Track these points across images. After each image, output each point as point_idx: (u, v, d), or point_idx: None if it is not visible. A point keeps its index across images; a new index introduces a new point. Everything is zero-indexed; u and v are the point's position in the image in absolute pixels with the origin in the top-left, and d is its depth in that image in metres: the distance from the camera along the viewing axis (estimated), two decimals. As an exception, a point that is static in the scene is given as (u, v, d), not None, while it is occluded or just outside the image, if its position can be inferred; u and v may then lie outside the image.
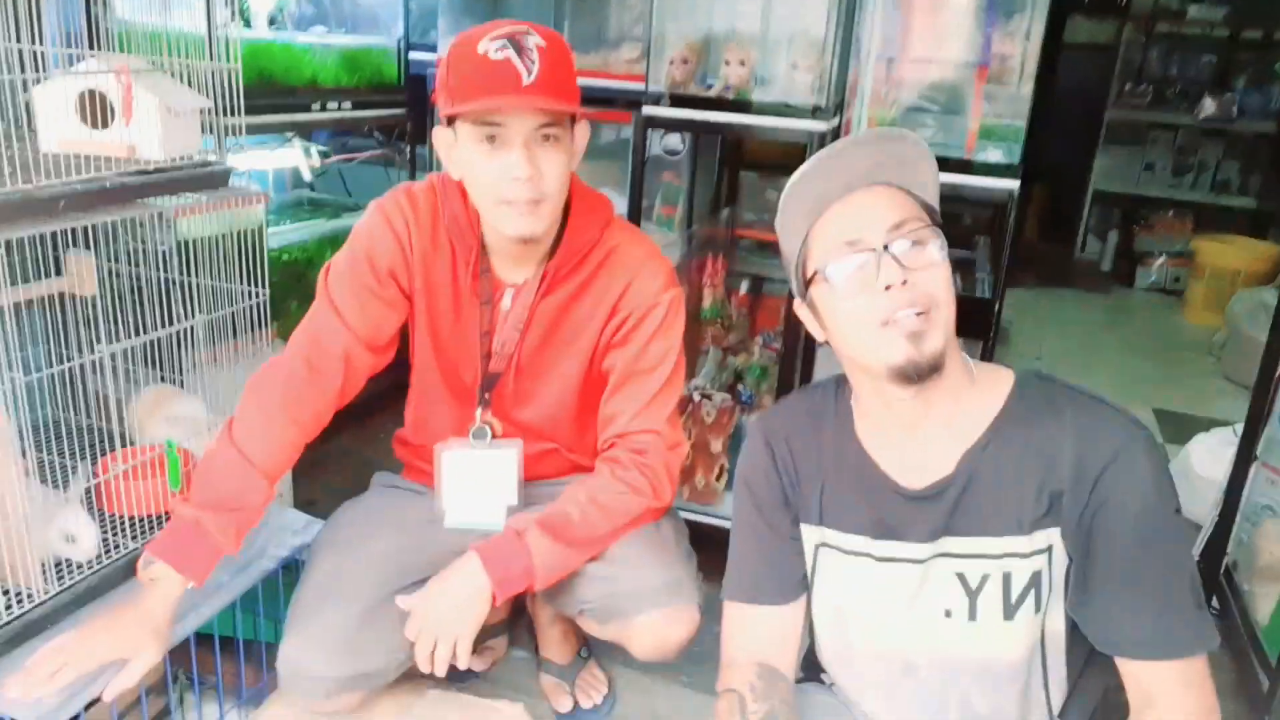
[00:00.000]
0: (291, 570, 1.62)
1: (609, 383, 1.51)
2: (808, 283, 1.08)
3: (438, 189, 1.48)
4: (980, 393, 1.09)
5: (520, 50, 1.27)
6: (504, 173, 1.30)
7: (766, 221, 3.07)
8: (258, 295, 1.66)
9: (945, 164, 2.06)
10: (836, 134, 2.07)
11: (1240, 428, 2.56)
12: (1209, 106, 5.26)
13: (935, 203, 1.08)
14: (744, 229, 2.99)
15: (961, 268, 2.64)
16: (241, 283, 1.68)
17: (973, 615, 1.09)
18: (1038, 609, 1.07)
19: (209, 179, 1.53)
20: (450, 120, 1.34)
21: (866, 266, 1.01)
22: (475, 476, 1.56)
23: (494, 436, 1.56)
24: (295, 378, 1.42)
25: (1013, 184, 2.07)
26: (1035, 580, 1.06)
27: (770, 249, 3.08)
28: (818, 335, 1.11)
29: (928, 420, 1.08)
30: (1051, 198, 5.90)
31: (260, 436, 1.40)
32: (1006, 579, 1.07)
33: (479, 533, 1.50)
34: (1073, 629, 1.08)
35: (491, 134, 1.29)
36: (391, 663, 1.45)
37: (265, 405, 1.41)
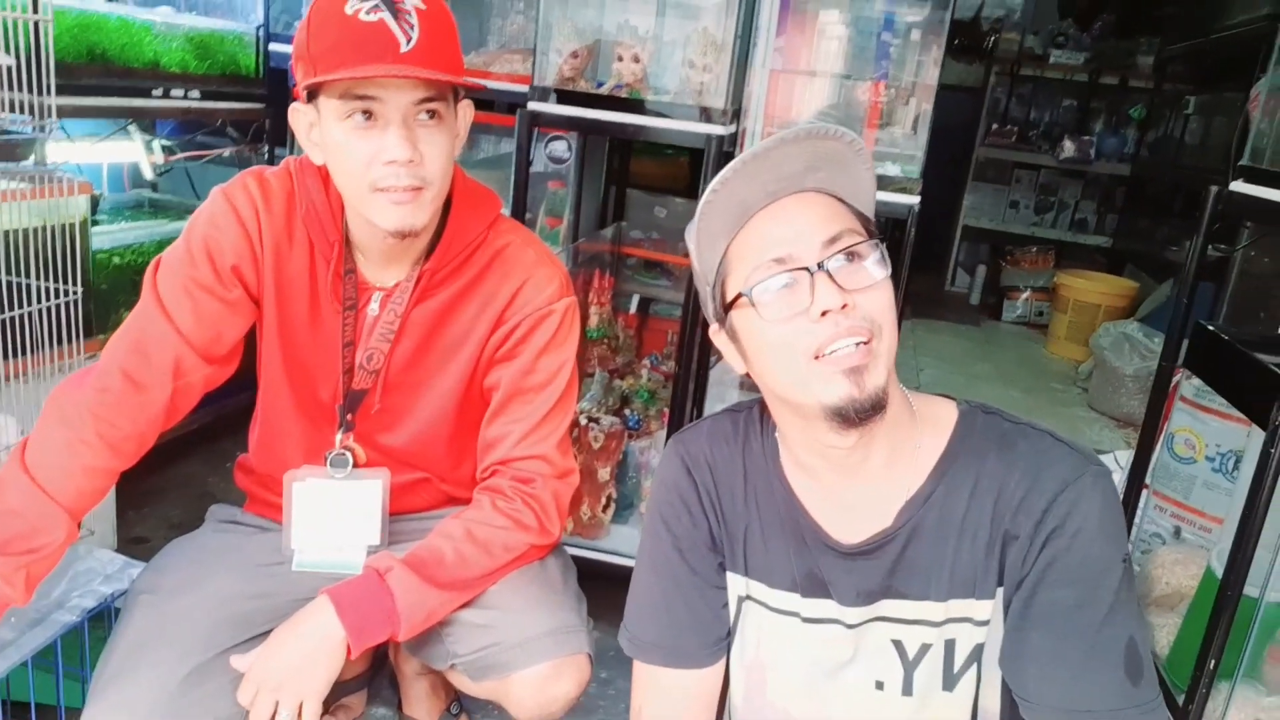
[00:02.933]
0: (102, 622, 1.36)
1: (492, 402, 1.32)
2: (727, 306, 0.93)
3: (294, 174, 1.28)
4: (921, 429, 0.96)
5: (396, 11, 1.09)
6: (378, 155, 1.11)
7: (655, 240, 2.95)
8: (69, 294, 1.41)
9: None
10: (735, 140, 1.96)
11: (1120, 456, 2.58)
12: (1069, 148, 5.49)
13: (871, 211, 0.95)
14: (631, 247, 2.86)
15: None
16: (51, 280, 1.42)
17: (908, 689, 0.96)
18: (979, 681, 0.95)
19: (6, 151, 1.27)
20: (311, 94, 1.15)
21: (798, 288, 0.87)
22: (332, 511, 1.35)
23: (355, 464, 1.35)
24: (110, 392, 1.18)
25: (913, 200, 2.01)
26: (979, 652, 0.95)
27: (658, 269, 2.96)
28: (737, 367, 0.96)
29: (865, 465, 0.93)
30: (922, 232, 6.04)
31: (62, 463, 1.16)
32: (949, 646, 0.95)
33: (334, 576, 1.29)
34: (1009, 706, 0.95)
35: (363, 109, 1.10)
36: None
37: (70, 424, 1.17)
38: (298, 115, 1.18)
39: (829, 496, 0.97)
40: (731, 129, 1.91)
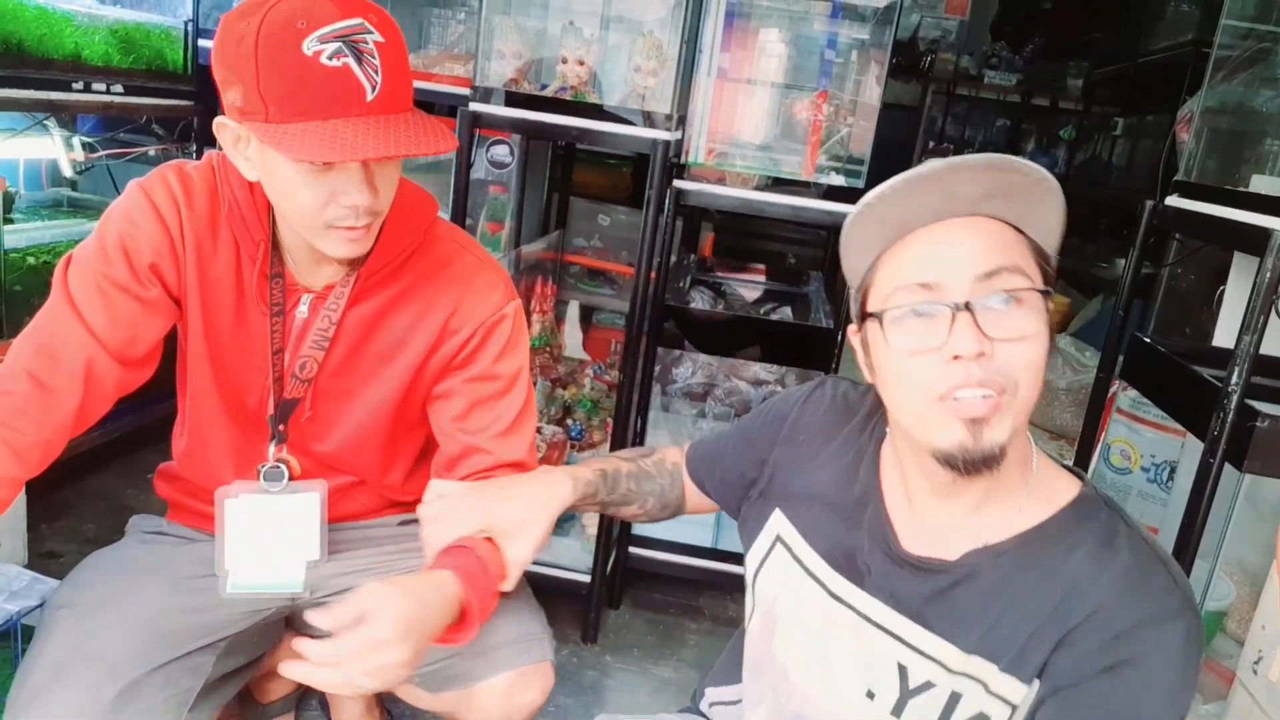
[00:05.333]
0: (7, 641, 1.28)
1: (445, 412, 1.27)
2: (863, 316, 0.89)
3: (217, 170, 1.21)
4: (1031, 494, 0.90)
5: (359, 55, 1.01)
6: (335, 198, 1.05)
7: (598, 248, 2.93)
8: (-27, 292, 1.32)
9: (786, 185, 2.01)
10: (680, 147, 1.94)
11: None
12: (1002, 167, 5.61)
13: (1054, 252, 0.86)
14: (574, 254, 2.83)
15: (795, 302, 2.58)
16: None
17: (898, 712, 0.91)
18: None
19: (-95, 137, 1.19)
20: None
21: (937, 321, 0.81)
22: (268, 527, 1.27)
23: (291, 476, 1.29)
24: (14, 396, 1.10)
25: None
26: None
27: (601, 277, 2.94)
28: (865, 375, 0.93)
29: (959, 498, 0.89)
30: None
31: None
32: (954, 698, 0.89)
33: (269, 597, 1.23)
34: None
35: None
36: None
37: None
38: (224, 130, 1.10)
39: (911, 502, 0.94)
40: (677, 135, 1.89)
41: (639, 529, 2.20)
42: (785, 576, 1.01)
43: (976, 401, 0.79)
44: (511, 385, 1.26)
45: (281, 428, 1.26)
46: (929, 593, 0.89)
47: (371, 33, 1.02)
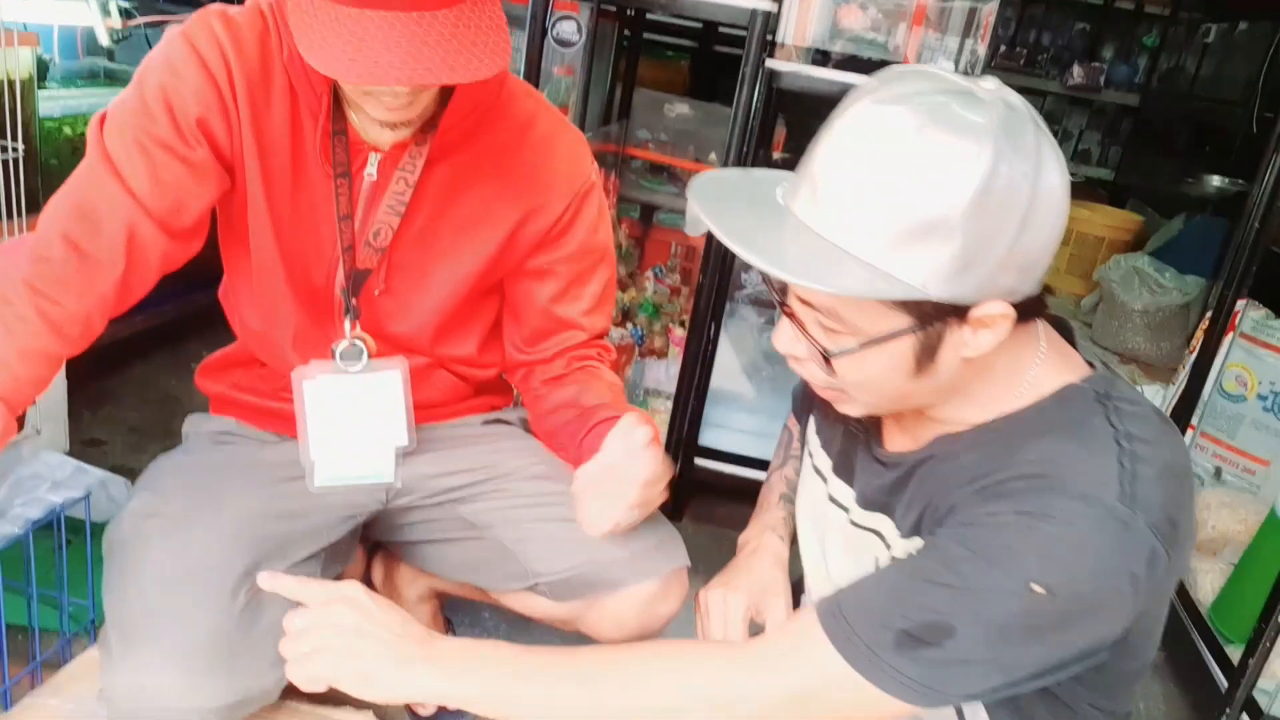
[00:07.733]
0: (49, 534, 1.18)
1: (544, 289, 1.19)
2: None
3: (269, 13, 1.05)
4: (1023, 391, 0.81)
5: None
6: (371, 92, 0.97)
7: (662, 141, 2.74)
8: (11, 150, 1.18)
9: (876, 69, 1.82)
10: (777, 20, 1.74)
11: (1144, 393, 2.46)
12: (1078, 74, 5.27)
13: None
14: (637, 148, 2.64)
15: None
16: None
17: None
18: None
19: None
20: None
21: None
22: (350, 411, 1.16)
23: (370, 355, 1.16)
24: (51, 263, 0.97)
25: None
26: None
27: (665, 173, 2.76)
28: None
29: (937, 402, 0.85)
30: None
31: None
32: None
33: (362, 490, 1.14)
34: None
35: None
36: (277, 676, 1.01)
37: (4, 299, 0.96)
38: None
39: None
40: (774, 7, 1.70)
41: (705, 439, 2.09)
42: (805, 484, 1.03)
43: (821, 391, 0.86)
44: (604, 256, 1.20)
45: (354, 301, 1.13)
46: (890, 483, 0.88)
47: None
